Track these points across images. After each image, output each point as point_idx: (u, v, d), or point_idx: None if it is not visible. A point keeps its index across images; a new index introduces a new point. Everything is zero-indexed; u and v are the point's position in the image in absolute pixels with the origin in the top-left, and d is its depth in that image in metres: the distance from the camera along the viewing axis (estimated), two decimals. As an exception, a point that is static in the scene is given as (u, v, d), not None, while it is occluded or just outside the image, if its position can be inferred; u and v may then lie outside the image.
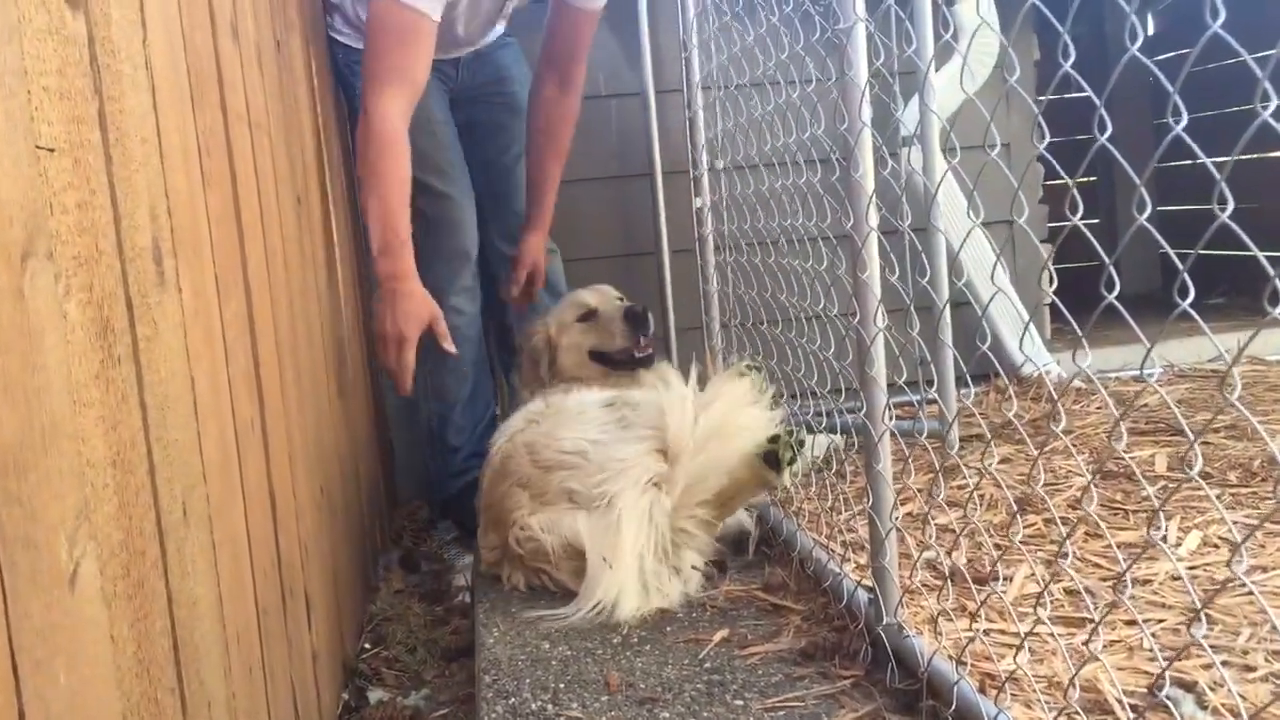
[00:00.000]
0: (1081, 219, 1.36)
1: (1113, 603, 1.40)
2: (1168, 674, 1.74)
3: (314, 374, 2.35)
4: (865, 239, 1.81)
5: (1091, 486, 1.52)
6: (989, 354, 1.59)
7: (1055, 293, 1.42)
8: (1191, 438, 1.13)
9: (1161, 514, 1.38)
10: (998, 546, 2.36)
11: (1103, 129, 1.29)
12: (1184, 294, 1.16)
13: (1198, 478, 1.13)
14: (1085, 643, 1.39)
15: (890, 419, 1.83)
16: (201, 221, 1.53)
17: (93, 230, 1.09)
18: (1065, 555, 1.38)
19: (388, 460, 3.65)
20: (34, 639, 0.85)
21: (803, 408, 2.64)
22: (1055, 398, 1.36)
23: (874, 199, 1.80)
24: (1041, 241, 4.23)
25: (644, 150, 3.87)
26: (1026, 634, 1.55)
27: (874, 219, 1.81)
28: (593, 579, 2.34)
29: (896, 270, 1.81)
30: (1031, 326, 4.02)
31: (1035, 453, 2.90)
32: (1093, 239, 1.42)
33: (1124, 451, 2.97)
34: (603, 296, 3.30)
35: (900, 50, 1.91)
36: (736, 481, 2.43)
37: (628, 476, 2.42)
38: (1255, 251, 1.10)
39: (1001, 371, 2.01)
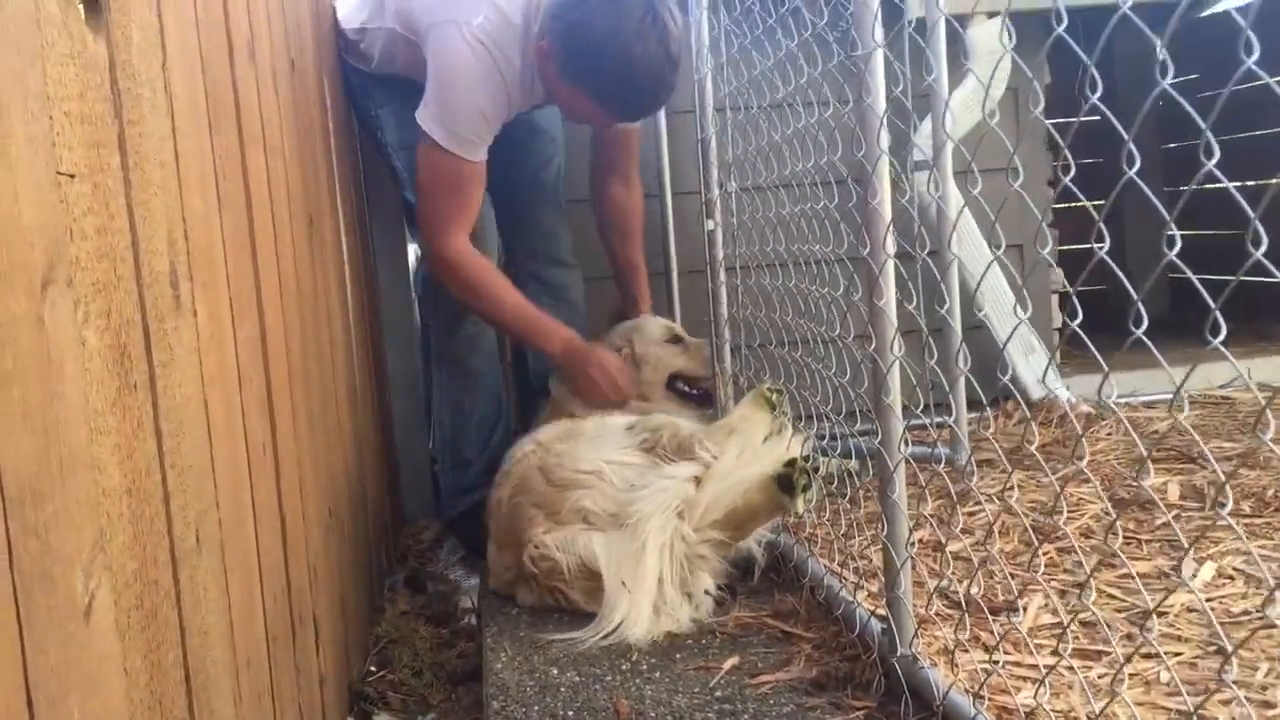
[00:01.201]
0: (1090, 243, 1.35)
1: (1139, 645, 1.38)
2: (1184, 709, 1.72)
3: (324, 395, 2.33)
4: (882, 266, 1.80)
5: (1107, 516, 1.50)
6: (1001, 378, 1.58)
7: (1065, 317, 1.41)
8: (1219, 471, 1.11)
9: (1176, 546, 1.36)
10: (1011, 575, 2.34)
11: (1131, 161, 1.28)
12: (1139, 322, 1.16)
13: (1227, 517, 1.11)
14: (1112, 680, 1.37)
15: (907, 447, 1.81)
16: (217, 245, 1.52)
17: (111, 256, 1.08)
18: (1089, 589, 1.36)
19: (394, 480, 3.64)
20: (48, 675, 0.84)
21: (818, 432, 2.63)
22: (1081, 432, 1.34)
23: (891, 226, 1.79)
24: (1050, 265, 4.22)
25: (654, 171, 3.86)
26: (1050, 669, 1.53)
27: (891, 246, 1.80)
28: (610, 604, 2.33)
29: (915, 298, 1.80)
30: (1041, 350, 3.99)
31: (1048, 478, 2.87)
32: (1102, 252, 1.41)
33: (1136, 480, 2.96)
34: (679, 329, 3.45)
35: (915, 76, 1.91)
36: (750, 504, 2.42)
37: (657, 501, 2.42)
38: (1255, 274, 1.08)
39: (1017, 395, 1.99)
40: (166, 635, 1.13)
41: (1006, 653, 1.95)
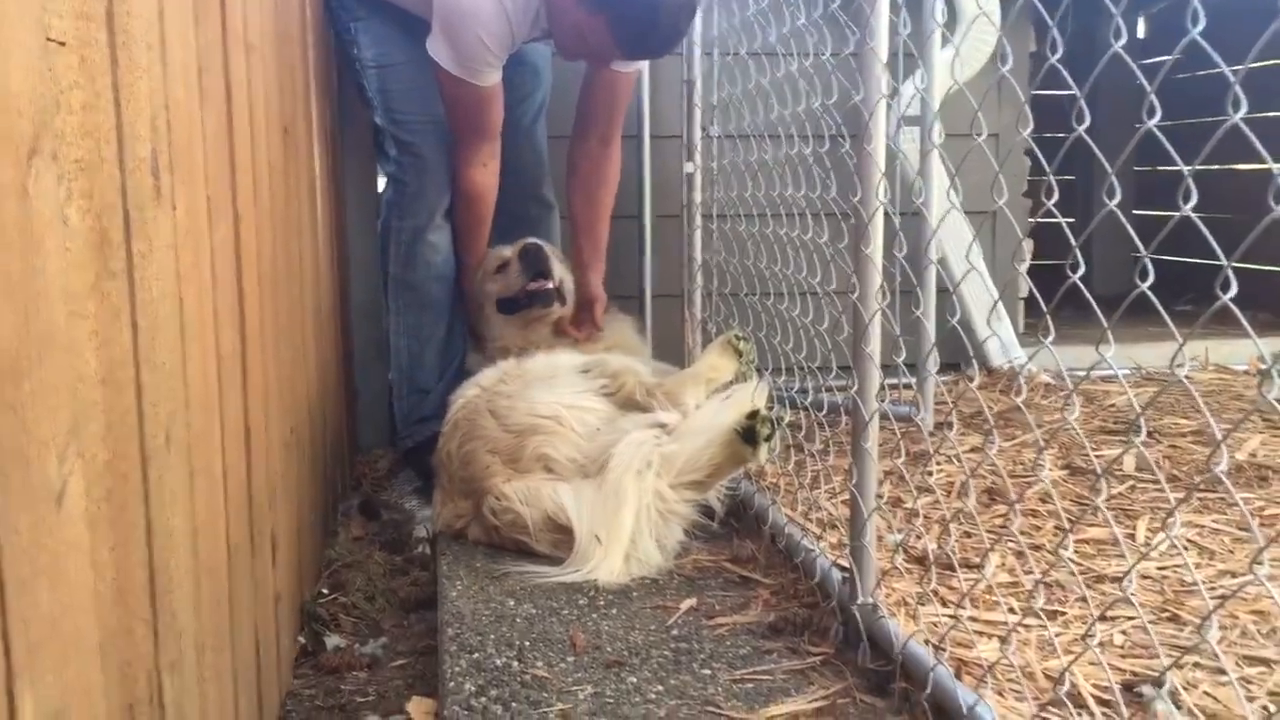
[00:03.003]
0: (1046, 214, 1.36)
1: (1111, 603, 1.39)
2: (1137, 671, 1.75)
3: (291, 311, 2.28)
4: (872, 214, 1.78)
5: (1065, 483, 1.51)
6: (964, 341, 1.58)
7: (1031, 288, 1.43)
8: (1217, 431, 1.11)
9: (1130, 514, 1.37)
10: (967, 534, 2.36)
11: (1081, 121, 1.29)
12: (1144, 276, 1.18)
13: (1224, 477, 1.11)
14: (1084, 637, 1.38)
15: (886, 399, 1.80)
16: (197, 140, 1.47)
17: (96, 135, 1.03)
18: (1067, 548, 1.37)
19: (352, 405, 3.59)
20: (19, 556, 0.81)
21: (786, 383, 2.62)
22: (1072, 387, 1.34)
23: (885, 174, 1.77)
24: (1023, 235, 4.23)
25: (633, 112, 3.81)
26: (1016, 625, 1.54)
27: (883, 193, 1.78)
28: (581, 554, 2.30)
29: (903, 247, 1.78)
30: (1005, 318, 4.00)
31: (1008, 443, 2.89)
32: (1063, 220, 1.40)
33: (1094, 451, 2.99)
34: (514, 248, 3.34)
35: (908, 28, 1.88)
36: (712, 460, 2.40)
37: (632, 456, 2.37)
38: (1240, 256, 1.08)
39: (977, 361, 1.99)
40: (133, 532, 1.10)
41: (963, 608, 1.97)
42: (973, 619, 1.92)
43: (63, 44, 0.94)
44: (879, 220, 1.80)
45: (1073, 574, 2.06)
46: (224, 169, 1.64)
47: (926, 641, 1.73)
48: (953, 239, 3.72)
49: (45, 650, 0.85)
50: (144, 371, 1.15)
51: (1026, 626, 1.85)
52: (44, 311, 0.87)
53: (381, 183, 3.88)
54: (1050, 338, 1.36)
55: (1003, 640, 1.53)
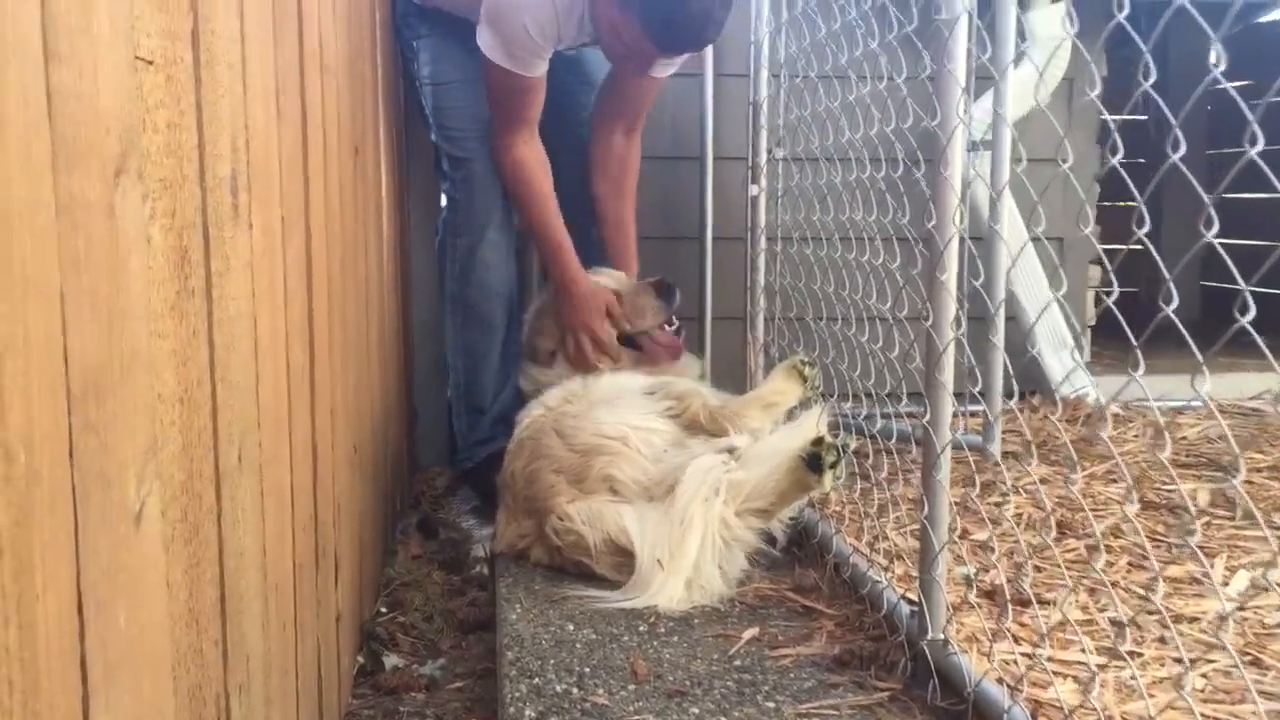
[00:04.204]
0: (1128, 242, 1.32)
1: (1203, 653, 1.34)
2: (1220, 717, 1.69)
3: (357, 329, 2.29)
4: (948, 241, 1.75)
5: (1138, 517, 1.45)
6: (1029, 370, 1.54)
7: (1099, 315, 1.38)
8: None
9: (1207, 552, 1.32)
10: (1038, 569, 2.31)
11: (1176, 149, 1.25)
12: (1244, 310, 1.13)
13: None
14: (1181, 677, 1.33)
15: (961, 429, 1.76)
16: (273, 160, 1.47)
17: (179, 154, 1.03)
18: (1156, 590, 1.32)
19: (412, 424, 3.60)
20: (100, 578, 0.80)
21: (853, 410, 2.58)
22: (1161, 420, 1.30)
23: (962, 200, 1.74)
24: (1091, 262, 4.15)
25: (697, 133, 3.79)
26: (1100, 666, 1.49)
27: (960, 219, 1.74)
28: (642, 579, 2.28)
29: (982, 274, 1.74)
30: (1073, 347, 3.92)
31: (1076, 474, 2.82)
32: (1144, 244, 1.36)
33: (1167, 484, 2.92)
34: (615, 279, 3.29)
35: (988, 52, 1.85)
36: (777, 487, 2.36)
37: (700, 483, 2.34)
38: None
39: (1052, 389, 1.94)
40: (206, 552, 1.09)
41: (1037, 646, 1.91)
42: (1050, 659, 1.86)
43: (150, 63, 0.94)
44: (954, 246, 1.76)
45: (1157, 613, 1.99)
46: (298, 188, 1.65)
47: (1000, 680, 1.68)
48: (1023, 266, 3.66)
49: (121, 672, 0.84)
50: (220, 390, 1.15)
51: (1103, 667, 1.80)
52: (126, 330, 0.87)
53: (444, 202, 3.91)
54: (1140, 370, 1.31)
55: (1079, 681, 1.48)
